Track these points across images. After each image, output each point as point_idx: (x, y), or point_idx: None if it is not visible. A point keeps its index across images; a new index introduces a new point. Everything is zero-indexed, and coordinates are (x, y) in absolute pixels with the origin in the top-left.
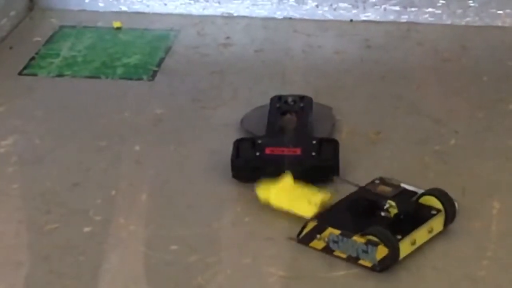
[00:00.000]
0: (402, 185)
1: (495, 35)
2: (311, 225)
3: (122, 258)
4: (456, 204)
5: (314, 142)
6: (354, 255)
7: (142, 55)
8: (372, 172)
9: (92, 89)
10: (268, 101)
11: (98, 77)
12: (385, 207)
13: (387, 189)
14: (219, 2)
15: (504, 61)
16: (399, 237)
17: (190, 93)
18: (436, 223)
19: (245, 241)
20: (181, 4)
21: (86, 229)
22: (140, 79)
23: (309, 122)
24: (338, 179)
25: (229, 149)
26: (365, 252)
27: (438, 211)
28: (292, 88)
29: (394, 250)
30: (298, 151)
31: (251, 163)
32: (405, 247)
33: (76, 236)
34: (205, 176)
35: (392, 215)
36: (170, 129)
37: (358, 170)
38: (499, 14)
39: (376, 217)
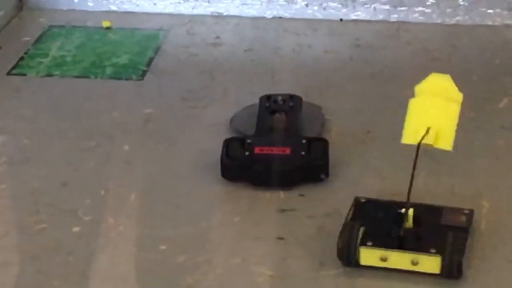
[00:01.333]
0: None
1: (485, 34)
2: (352, 206)
3: (111, 258)
4: (464, 266)
5: (303, 141)
6: None
7: (132, 55)
8: (362, 172)
9: (81, 89)
10: (257, 101)
11: (87, 77)
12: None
13: (458, 218)
14: (208, 2)
15: (493, 60)
16: (369, 244)
17: (180, 93)
18: (427, 262)
19: (235, 240)
20: (170, 3)
21: (75, 229)
22: (129, 79)
23: (299, 122)
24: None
25: (218, 149)
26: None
27: (440, 253)
28: (281, 88)
29: (344, 249)
30: (288, 150)
31: (240, 163)
32: (369, 257)
33: (65, 236)
34: (195, 176)
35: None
36: (160, 128)
37: (348, 170)
38: (489, 13)
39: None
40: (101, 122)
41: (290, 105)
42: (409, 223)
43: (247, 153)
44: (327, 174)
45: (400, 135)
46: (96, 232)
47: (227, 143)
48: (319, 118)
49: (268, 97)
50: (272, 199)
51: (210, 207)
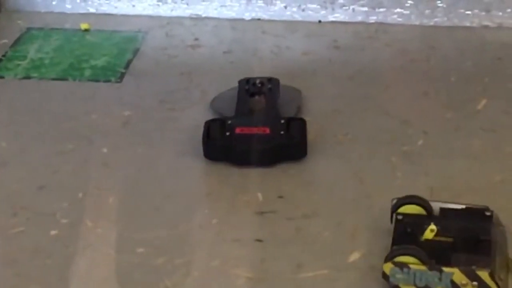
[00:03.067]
0: None
1: (464, 36)
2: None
3: (89, 261)
4: None
5: (282, 121)
6: None
7: (110, 57)
8: (340, 174)
9: (59, 91)
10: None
11: (66, 79)
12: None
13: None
14: (187, 4)
15: (472, 61)
16: (400, 217)
17: (158, 95)
18: None
19: (213, 243)
20: (149, 5)
21: (53, 232)
22: (108, 81)
23: (277, 103)
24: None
25: (197, 151)
26: None
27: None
28: None
29: (392, 206)
30: (267, 130)
31: (221, 143)
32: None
33: (43, 239)
34: (173, 178)
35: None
36: (138, 131)
37: (326, 172)
38: (467, 14)
39: None
40: (79, 125)
41: (269, 87)
42: (427, 234)
43: (228, 133)
44: (305, 153)
45: (377, 136)
46: (74, 235)
47: (209, 124)
48: (296, 100)
49: (246, 81)
50: (250, 201)
51: (189, 209)
